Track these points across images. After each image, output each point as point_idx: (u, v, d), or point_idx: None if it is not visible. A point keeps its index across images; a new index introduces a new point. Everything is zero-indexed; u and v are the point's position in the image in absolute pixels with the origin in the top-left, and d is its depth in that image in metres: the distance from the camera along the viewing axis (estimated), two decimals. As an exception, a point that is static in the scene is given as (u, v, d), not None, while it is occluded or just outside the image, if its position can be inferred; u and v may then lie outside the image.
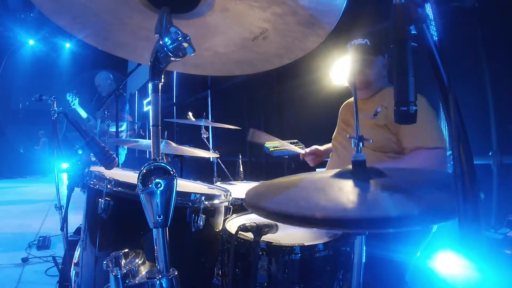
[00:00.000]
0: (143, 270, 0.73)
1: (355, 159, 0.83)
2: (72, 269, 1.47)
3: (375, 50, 1.63)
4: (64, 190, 1.46)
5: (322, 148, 1.98)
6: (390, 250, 1.27)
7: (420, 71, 0.57)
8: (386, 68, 1.66)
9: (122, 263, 0.71)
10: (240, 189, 1.81)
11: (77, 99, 4.28)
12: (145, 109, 8.59)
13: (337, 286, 1.01)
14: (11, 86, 10.36)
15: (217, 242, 1.17)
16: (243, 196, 0.91)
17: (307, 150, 2.02)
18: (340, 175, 0.83)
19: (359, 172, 0.81)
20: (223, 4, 0.78)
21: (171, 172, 0.67)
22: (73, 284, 1.43)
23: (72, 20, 0.83)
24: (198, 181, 1.59)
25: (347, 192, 0.75)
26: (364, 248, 0.87)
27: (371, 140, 0.88)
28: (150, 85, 0.71)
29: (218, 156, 2.26)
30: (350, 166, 0.85)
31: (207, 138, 2.76)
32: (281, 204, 0.78)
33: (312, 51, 0.89)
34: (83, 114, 4.32)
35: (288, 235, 1.09)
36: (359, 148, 0.84)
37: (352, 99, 1.59)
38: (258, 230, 0.93)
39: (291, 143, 2.26)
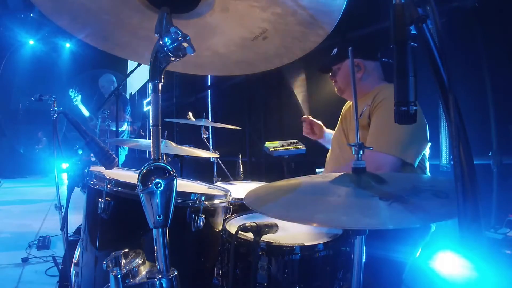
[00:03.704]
0: (143, 270, 0.72)
1: (356, 166, 0.83)
2: (72, 269, 1.47)
3: (340, 57, 1.68)
4: (64, 190, 1.46)
5: (325, 130, 1.98)
6: (389, 250, 1.27)
7: (420, 71, 0.57)
8: (361, 67, 1.64)
9: (122, 263, 0.71)
10: (240, 189, 1.81)
11: (80, 95, 4.27)
12: (145, 109, 8.58)
13: (337, 286, 1.01)
14: (11, 86, 10.37)
15: (217, 242, 1.17)
16: (243, 196, 0.91)
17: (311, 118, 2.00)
18: (340, 181, 0.83)
19: (359, 179, 0.81)
20: (223, 4, 0.78)
21: (171, 172, 0.67)
22: (73, 284, 1.43)
23: (72, 20, 0.83)
24: (198, 181, 1.59)
25: (345, 200, 0.75)
26: (364, 248, 0.87)
27: (371, 148, 0.89)
28: (150, 85, 0.71)
29: (218, 156, 2.25)
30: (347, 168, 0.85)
31: (207, 138, 2.76)
32: (280, 210, 0.78)
33: (312, 50, 0.89)
34: (85, 112, 4.30)
35: (288, 235, 1.09)
36: (359, 155, 0.84)
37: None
38: (258, 230, 0.93)
39: (291, 143, 2.26)
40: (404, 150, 1.38)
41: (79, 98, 4.26)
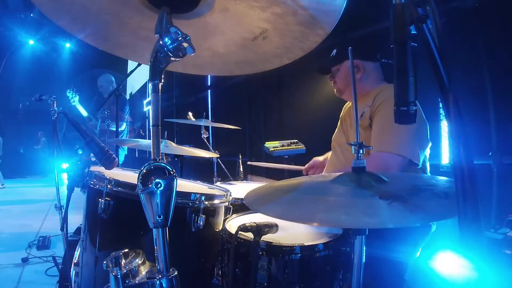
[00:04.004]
0: (143, 270, 0.72)
1: (356, 165, 0.83)
2: (72, 269, 1.47)
3: (339, 58, 1.68)
4: (64, 190, 1.46)
5: (321, 158, 1.97)
6: (390, 250, 1.27)
7: (420, 71, 0.57)
8: (361, 68, 1.63)
9: (122, 263, 0.71)
10: (240, 189, 1.81)
11: (77, 96, 4.25)
12: (145, 109, 8.58)
13: (337, 286, 1.01)
14: (11, 86, 10.39)
15: (217, 242, 1.17)
16: (243, 196, 0.91)
17: (306, 165, 2.01)
18: (340, 181, 0.83)
19: (359, 179, 0.81)
20: (223, 4, 0.78)
21: (171, 172, 0.67)
22: (73, 284, 1.43)
23: (72, 20, 0.83)
24: (198, 181, 1.59)
25: (345, 200, 0.75)
26: (364, 248, 0.87)
27: (371, 147, 0.88)
28: (150, 85, 0.71)
29: (218, 156, 2.25)
30: (349, 169, 0.85)
31: (207, 138, 2.76)
32: (280, 209, 0.78)
33: (312, 50, 0.89)
34: (84, 112, 4.29)
35: (288, 235, 1.09)
36: (359, 154, 0.84)
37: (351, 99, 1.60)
38: (258, 230, 0.93)
39: (291, 143, 2.26)
40: (411, 150, 1.38)
41: (76, 98, 4.25)
